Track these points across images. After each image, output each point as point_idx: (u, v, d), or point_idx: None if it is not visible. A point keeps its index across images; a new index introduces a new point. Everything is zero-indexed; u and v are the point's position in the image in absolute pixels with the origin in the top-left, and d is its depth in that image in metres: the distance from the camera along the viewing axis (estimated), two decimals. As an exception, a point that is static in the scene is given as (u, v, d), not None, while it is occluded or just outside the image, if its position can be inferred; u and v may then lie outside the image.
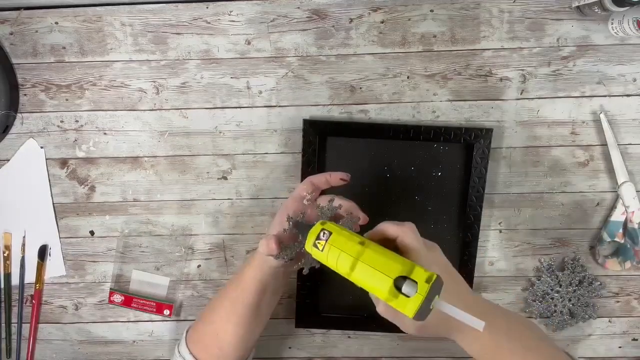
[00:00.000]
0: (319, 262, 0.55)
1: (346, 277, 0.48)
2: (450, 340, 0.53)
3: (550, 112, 0.70)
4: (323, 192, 0.62)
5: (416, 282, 0.44)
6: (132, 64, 0.70)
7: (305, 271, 0.57)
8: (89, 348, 0.78)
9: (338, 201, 0.57)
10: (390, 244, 0.52)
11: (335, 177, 0.60)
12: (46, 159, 0.73)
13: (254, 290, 0.60)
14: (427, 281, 0.43)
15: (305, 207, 0.60)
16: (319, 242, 0.50)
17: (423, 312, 0.43)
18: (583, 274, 0.72)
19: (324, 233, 0.50)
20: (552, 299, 0.73)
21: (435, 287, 0.44)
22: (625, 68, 0.68)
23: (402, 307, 0.44)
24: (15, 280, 0.75)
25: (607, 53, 0.68)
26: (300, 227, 0.55)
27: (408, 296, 0.44)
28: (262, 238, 0.56)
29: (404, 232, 0.51)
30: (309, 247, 0.51)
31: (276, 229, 0.59)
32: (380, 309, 0.52)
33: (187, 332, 0.67)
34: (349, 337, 0.77)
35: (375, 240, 0.51)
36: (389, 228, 0.52)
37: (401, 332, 0.75)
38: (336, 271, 0.49)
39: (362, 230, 0.55)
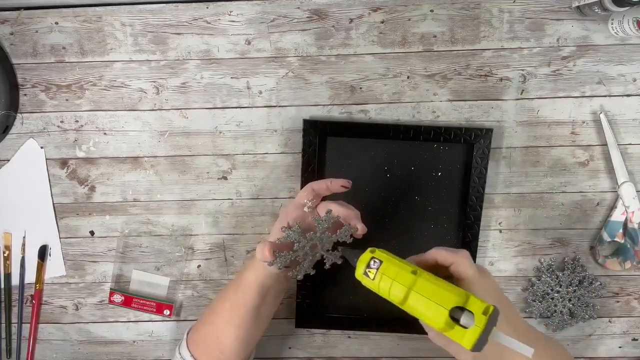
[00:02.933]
0: (313, 269, 0.55)
1: (399, 306, 0.48)
2: None
3: (550, 112, 0.70)
4: (325, 198, 0.62)
5: (472, 313, 0.44)
6: (132, 64, 0.70)
7: (299, 277, 0.57)
8: (89, 348, 0.78)
9: (337, 210, 0.57)
10: (442, 270, 0.51)
11: (336, 184, 0.59)
12: (46, 159, 0.73)
13: (254, 293, 0.60)
14: (485, 312, 0.43)
15: (306, 215, 0.59)
16: (369, 271, 0.49)
17: (481, 343, 0.43)
18: (583, 274, 0.72)
19: (374, 261, 0.49)
20: (552, 299, 0.73)
21: (493, 319, 0.44)
22: (625, 68, 0.68)
23: (459, 339, 0.44)
24: (15, 280, 0.75)
25: (607, 53, 0.68)
26: (348, 253, 0.54)
27: (465, 327, 0.44)
28: (259, 243, 0.56)
29: (458, 260, 0.50)
30: (359, 275, 0.50)
31: (275, 235, 0.59)
32: (432, 336, 0.51)
33: (187, 333, 0.67)
34: (349, 337, 0.77)
35: (427, 266, 0.51)
36: (442, 255, 0.51)
37: (401, 332, 0.75)
38: (388, 300, 0.49)
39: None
